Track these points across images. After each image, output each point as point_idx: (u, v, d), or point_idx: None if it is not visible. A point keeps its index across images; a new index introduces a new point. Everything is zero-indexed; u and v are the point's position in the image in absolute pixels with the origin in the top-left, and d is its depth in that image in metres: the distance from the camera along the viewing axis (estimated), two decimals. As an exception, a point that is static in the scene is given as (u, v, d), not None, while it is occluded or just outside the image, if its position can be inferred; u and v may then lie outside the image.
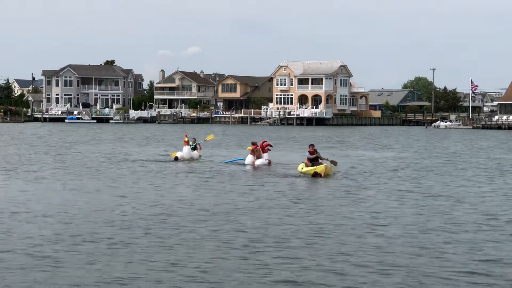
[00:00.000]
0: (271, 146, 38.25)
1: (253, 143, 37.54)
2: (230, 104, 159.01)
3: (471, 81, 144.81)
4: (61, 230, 16.95)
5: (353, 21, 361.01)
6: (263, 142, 37.91)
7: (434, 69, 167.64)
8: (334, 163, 32.17)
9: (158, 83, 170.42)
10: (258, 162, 36.03)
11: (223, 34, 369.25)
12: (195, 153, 40.06)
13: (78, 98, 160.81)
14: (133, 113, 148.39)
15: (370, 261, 13.91)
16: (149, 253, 14.46)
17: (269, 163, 36.30)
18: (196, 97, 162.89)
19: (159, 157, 41.97)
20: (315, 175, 29.42)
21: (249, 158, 36.56)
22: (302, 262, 13.79)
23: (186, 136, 40.23)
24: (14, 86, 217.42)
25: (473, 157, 46.45)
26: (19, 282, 12.13)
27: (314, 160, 30.73)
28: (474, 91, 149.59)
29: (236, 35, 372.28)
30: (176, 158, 38.68)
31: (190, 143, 40.32)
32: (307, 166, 30.54)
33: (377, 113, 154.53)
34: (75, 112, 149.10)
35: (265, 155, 36.71)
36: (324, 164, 30.22)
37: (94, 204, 21.45)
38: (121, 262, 13.63)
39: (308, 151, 31.14)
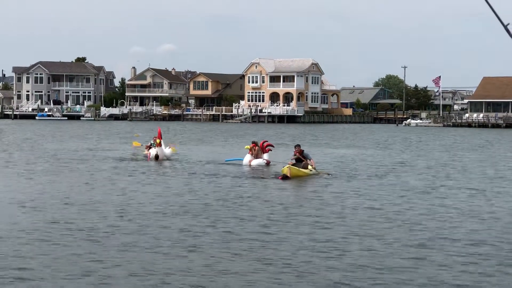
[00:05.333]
0: (272, 146, 36.40)
1: (253, 142, 35.57)
2: (201, 101, 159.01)
3: (439, 77, 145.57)
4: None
5: (325, 19, 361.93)
6: (263, 142, 35.99)
7: (405, 67, 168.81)
8: (325, 174, 31.30)
9: (130, 80, 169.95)
10: (254, 162, 34.11)
11: (196, 31, 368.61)
12: (168, 151, 38.73)
13: (49, 95, 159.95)
14: (105, 110, 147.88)
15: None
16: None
17: (268, 163, 34.09)
18: (167, 94, 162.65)
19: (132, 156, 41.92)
20: (285, 178, 28.03)
21: (246, 158, 34.68)
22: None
23: (160, 137, 38.18)
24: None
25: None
26: None
27: (297, 160, 29.63)
28: (437, 87, 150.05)
29: (209, 32, 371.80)
30: (157, 157, 37.21)
31: (152, 142, 40.03)
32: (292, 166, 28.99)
33: (348, 111, 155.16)
34: (46, 109, 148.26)
35: (265, 156, 34.73)
36: (287, 165, 28.76)
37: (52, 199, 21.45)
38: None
39: (294, 152, 30.10)
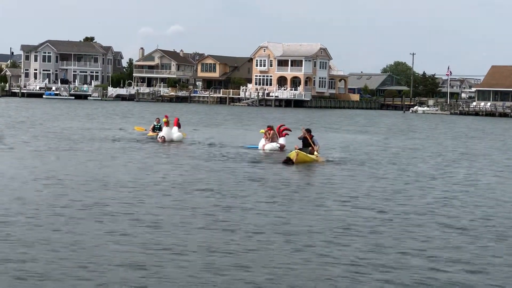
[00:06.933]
0: (289, 130, 35.39)
1: (268, 126, 34.67)
2: (209, 84, 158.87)
3: (448, 67, 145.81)
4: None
5: (334, 4, 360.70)
6: (280, 126, 35.25)
7: (413, 54, 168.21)
8: (321, 161, 31.14)
9: (138, 61, 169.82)
10: (267, 146, 33.33)
11: (205, 14, 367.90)
12: (179, 135, 37.97)
13: (56, 74, 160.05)
14: (112, 91, 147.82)
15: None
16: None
17: (282, 148, 33.18)
18: (175, 76, 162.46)
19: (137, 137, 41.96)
20: (287, 161, 27.71)
21: (261, 142, 33.96)
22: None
23: (166, 117, 37.98)
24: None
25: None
26: None
27: (304, 145, 29.26)
28: (449, 76, 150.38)
29: (218, 14, 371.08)
30: (163, 139, 36.71)
31: (156, 123, 40.01)
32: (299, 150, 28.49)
33: (355, 97, 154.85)
34: (53, 88, 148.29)
35: (281, 140, 33.98)
36: (296, 150, 28.21)
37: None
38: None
39: (303, 136, 29.59)
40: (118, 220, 15.39)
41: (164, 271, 11.50)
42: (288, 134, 35.00)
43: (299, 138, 29.97)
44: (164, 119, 37.69)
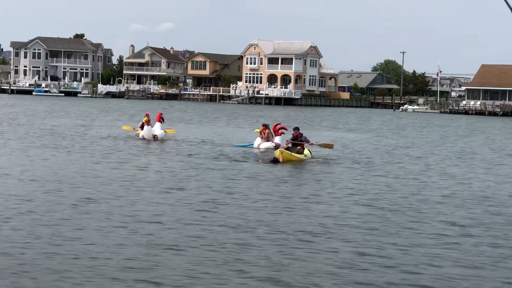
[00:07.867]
0: (285, 129, 34.21)
1: (264, 125, 34.24)
2: (199, 81, 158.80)
3: (438, 66, 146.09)
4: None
5: (324, 2, 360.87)
6: (276, 125, 34.51)
7: (403, 52, 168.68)
8: (329, 145, 30.87)
9: (128, 58, 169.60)
10: (262, 145, 32.79)
11: (196, 11, 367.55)
12: (161, 132, 37.23)
13: (46, 71, 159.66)
14: (102, 88, 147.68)
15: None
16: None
17: (277, 147, 31.66)
18: (165, 73, 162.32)
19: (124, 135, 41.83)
20: (275, 161, 27.19)
21: (256, 141, 33.55)
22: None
23: (147, 115, 37.22)
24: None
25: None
26: None
27: (293, 144, 28.77)
28: (439, 75, 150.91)
29: (209, 12, 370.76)
30: (157, 137, 36.23)
31: (144, 120, 38.84)
32: (287, 149, 28.10)
33: (345, 95, 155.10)
34: (43, 85, 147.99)
35: (277, 139, 33.12)
36: (280, 149, 27.94)
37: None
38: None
39: (292, 135, 29.24)
40: (110, 217, 15.33)
41: (158, 266, 11.46)
42: (284, 133, 34.27)
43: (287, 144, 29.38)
44: (145, 118, 36.97)
